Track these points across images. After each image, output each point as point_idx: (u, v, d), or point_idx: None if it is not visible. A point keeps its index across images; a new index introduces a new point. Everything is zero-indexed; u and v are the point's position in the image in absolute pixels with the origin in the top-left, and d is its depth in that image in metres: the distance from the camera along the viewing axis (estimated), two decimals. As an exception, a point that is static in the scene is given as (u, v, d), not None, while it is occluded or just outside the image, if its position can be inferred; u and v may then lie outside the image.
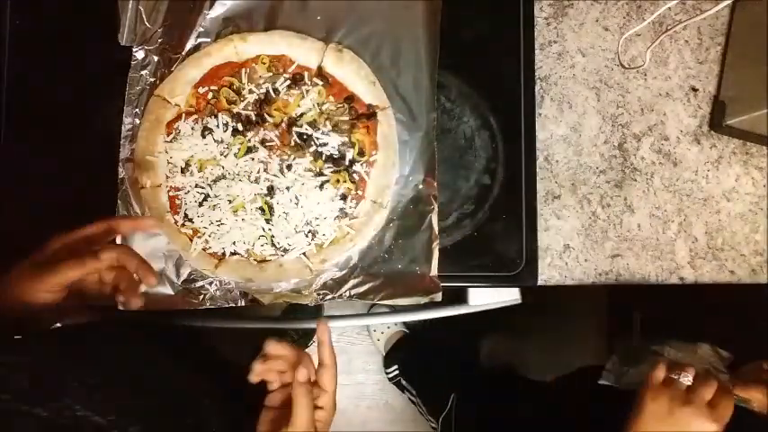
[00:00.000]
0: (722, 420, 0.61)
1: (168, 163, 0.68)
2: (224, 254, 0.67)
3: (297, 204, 0.67)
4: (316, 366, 0.59)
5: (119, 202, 0.67)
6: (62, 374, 0.45)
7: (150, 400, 0.49)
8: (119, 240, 0.63)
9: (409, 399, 1.52)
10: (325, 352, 0.60)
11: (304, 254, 0.67)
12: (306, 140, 0.67)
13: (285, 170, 0.67)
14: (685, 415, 0.61)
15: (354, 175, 0.67)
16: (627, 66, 0.77)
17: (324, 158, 0.67)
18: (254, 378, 0.56)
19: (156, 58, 0.69)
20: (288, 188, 0.67)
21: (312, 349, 0.70)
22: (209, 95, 0.68)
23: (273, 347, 0.57)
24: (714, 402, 0.62)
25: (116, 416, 0.43)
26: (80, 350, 0.52)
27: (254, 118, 0.67)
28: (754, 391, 0.67)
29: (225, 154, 0.67)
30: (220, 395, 0.61)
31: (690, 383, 0.63)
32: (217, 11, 0.69)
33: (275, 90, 0.68)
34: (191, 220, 0.67)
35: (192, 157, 0.67)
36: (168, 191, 0.68)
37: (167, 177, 0.67)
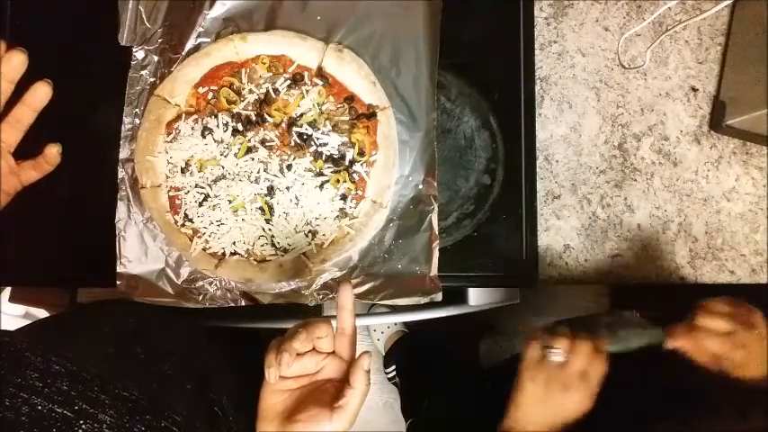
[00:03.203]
0: (593, 383, 0.61)
1: (168, 163, 0.67)
2: (224, 254, 0.67)
3: (297, 204, 0.67)
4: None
5: (119, 202, 0.67)
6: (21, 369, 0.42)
7: (124, 390, 0.46)
8: None
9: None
10: (347, 319, 0.54)
11: (304, 254, 0.67)
12: (306, 140, 0.67)
13: (285, 170, 0.67)
14: (558, 395, 0.61)
15: (354, 175, 0.67)
16: (627, 66, 0.77)
17: (324, 158, 0.67)
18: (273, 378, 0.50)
19: (156, 58, 0.69)
20: (288, 188, 0.67)
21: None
22: (209, 95, 0.68)
23: (291, 347, 0.50)
24: (587, 369, 0.61)
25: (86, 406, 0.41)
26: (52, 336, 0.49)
27: (254, 118, 0.67)
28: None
29: (225, 154, 0.67)
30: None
31: (562, 359, 0.62)
32: (217, 11, 0.69)
33: (275, 90, 0.68)
34: (191, 220, 0.67)
35: (191, 157, 0.67)
36: (168, 191, 0.67)
37: (167, 177, 0.67)
